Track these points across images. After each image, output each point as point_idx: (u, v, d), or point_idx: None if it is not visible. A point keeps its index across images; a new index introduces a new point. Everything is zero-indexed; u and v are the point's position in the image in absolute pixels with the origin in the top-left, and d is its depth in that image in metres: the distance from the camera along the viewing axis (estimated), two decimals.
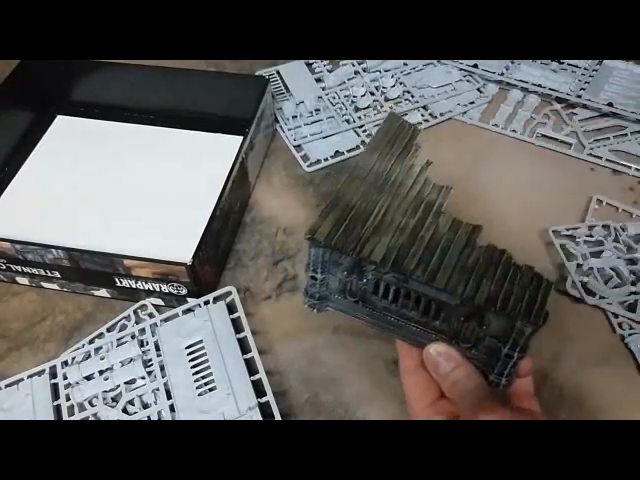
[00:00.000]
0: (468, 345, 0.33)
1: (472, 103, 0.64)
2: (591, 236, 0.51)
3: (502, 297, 0.30)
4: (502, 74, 0.65)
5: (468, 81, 0.66)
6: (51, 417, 0.41)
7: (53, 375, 0.44)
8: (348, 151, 0.60)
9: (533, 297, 0.30)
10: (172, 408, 0.41)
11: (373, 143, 0.38)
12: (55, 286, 0.50)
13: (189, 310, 0.46)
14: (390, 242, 0.32)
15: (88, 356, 0.45)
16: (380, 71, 0.66)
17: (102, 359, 0.43)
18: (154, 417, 0.41)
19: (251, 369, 0.42)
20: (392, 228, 0.33)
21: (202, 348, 0.43)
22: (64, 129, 0.62)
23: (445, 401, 0.34)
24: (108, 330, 0.47)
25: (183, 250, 0.45)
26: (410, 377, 0.35)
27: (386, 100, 0.64)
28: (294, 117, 0.62)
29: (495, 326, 0.31)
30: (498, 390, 0.33)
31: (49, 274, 0.48)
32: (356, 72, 0.66)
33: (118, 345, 0.45)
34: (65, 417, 0.42)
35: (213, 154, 0.57)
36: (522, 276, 0.31)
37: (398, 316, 0.34)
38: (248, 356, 0.42)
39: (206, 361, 0.42)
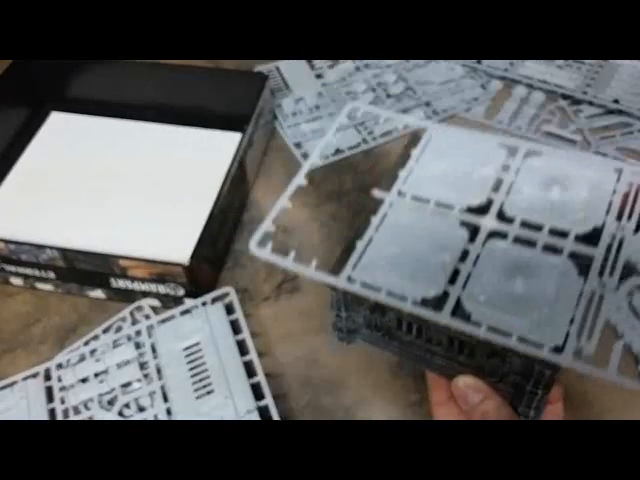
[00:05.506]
0: (494, 379, 0.33)
1: (476, 100, 0.63)
2: None
3: None
4: (506, 70, 0.64)
5: (471, 77, 0.65)
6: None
7: (47, 377, 0.43)
8: (349, 149, 0.59)
9: None
10: (169, 411, 0.40)
11: None
12: (50, 287, 0.49)
13: (186, 311, 0.45)
14: None
15: (83, 358, 0.44)
16: (381, 67, 0.65)
17: (97, 361, 0.43)
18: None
19: (250, 371, 0.41)
20: None
21: (200, 350, 0.42)
22: (59, 126, 0.61)
23: None
24: (104, 332, 0.46)
25: (180, 250, 0.44)
26: (441, 408, 0.35)
27: (388, 96, 0.63)
28: (294, 114, 0.61)
29: (517, 364, 0.31)
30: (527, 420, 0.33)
31: (43, 274, 0.47)
32: (357, 68, 0.65)
33: (114, 347, 0.44)
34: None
35: (211, 151, 0.56)
36: None
37: (424, 350, 0.35)
38: (247, 358, 0.42)
39: (204, 363, 0.42)
